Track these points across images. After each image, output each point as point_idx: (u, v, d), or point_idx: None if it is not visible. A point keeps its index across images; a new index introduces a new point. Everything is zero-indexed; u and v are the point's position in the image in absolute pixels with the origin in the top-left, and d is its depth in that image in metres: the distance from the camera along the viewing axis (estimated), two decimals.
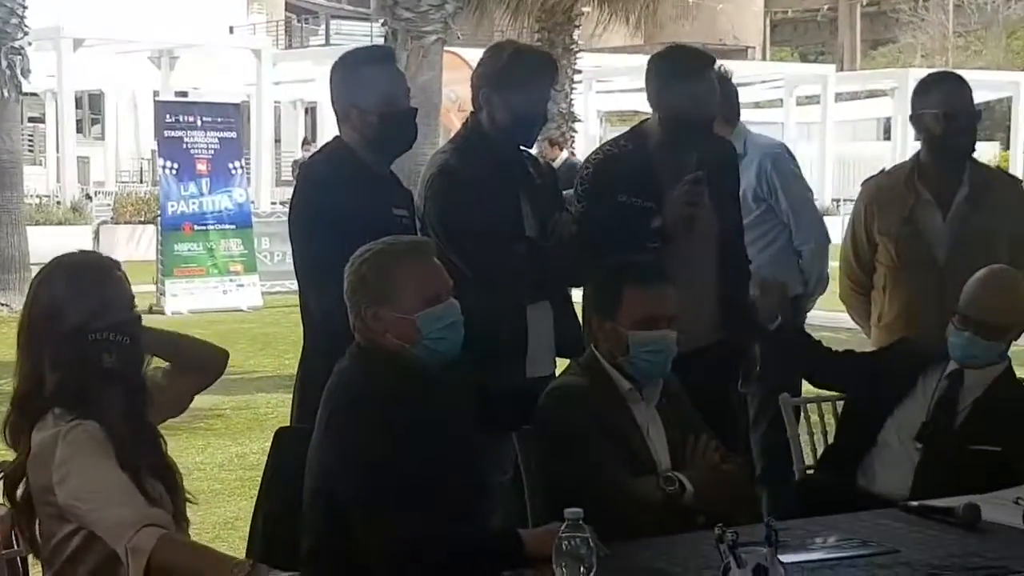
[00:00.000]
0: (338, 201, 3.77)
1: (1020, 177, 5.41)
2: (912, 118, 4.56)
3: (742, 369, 4.32)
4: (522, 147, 4.19)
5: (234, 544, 5.13)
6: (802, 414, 4.28)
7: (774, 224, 5.09)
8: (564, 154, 14.93)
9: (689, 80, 4.13)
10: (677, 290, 3.52)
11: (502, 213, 3.99)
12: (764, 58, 44.58)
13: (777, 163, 5.09)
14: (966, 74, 5.16)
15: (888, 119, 32.42)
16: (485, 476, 3.31)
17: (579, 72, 19.25)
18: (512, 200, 4.03)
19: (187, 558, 2.71)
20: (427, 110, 10.69)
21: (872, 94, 32.83)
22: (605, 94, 27.89)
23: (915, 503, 3.30)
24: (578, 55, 19.09)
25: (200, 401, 3.41)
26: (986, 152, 31.14)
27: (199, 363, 3.29)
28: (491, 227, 3.93)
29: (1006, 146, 33.02)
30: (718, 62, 4.40)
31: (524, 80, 4.01)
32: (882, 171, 4.83)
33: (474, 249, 3.89)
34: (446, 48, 12.57)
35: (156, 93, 23.00)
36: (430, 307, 3.09)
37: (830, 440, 4.17)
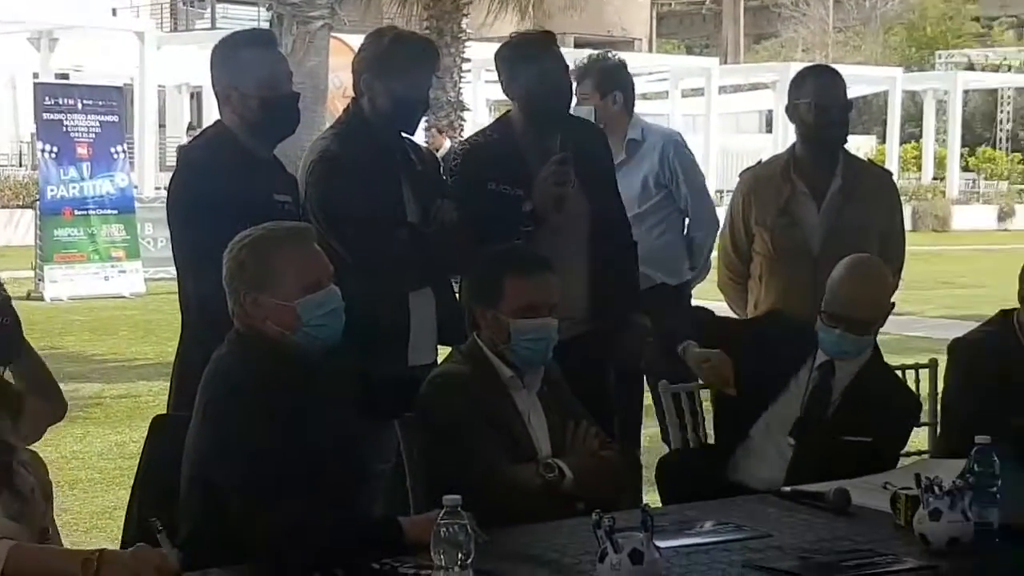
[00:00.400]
0: (217, 186, 3.72)
1: (891, 170, 5.54)
2: (787, 109, 4.66)
3: (619, 356, 4.37)
4: (404, 133, 4.19)
5: (112, 533, 5.07)
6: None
7: (672, 210, 5.20)
8: (448, 143, 14.94)
9: (534, 64, 4.24)
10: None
11: (383, 198, 3.98)
12: (651, 50, 44.97)
13: (679, 150, 5.22)
14: (844, 69, 5.29)
15: (770, 111, 32.93)
16: (366, 464, 3.30)
17: (468, 61, 19.24)
18: (393, 186, 4.03)
19: (38, 563, 2.66)
20: (314, 96, 10.63)
21: (755, 87, 33.34)
22: (494, 83, 27.72)
23: (788, 488, 3.37)
24: (467, 44, 19.08)
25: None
26: (863, 145, 31.85)
27: (50, 393, 3.23)
28: (372, 213, 3.92)
29: (882, 139, 33.78)
30: (613, 53, 4.48)
31: (405, 66, 4.01)
32: (759, 162, 4.93)
33: (355, 235, 3.88)
34: (333, 34, 12.51)
35: (36, 75, 22.52)
36: (310, 294, 3.06)
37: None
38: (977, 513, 2.81)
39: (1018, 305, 4.01)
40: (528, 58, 4.28)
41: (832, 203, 4.56)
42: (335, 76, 13.55)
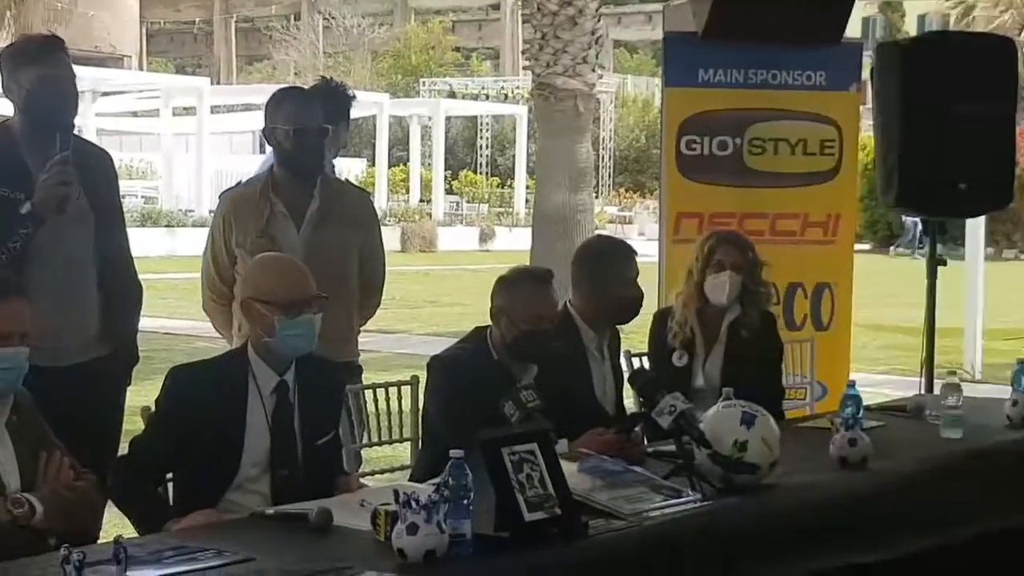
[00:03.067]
0: None
1: (382, 192, 5.69)
2: (265, 132, 4.66)
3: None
4: None
5: None
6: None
7: None
8: None
9: (36, 67, 4.10)
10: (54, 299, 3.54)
11: None
12: (141, 68, 43.96)
13: None
14: None
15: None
16: None
17: None
18: None
19: None
20: None
21: (248, 108, 33.32)
22: None
23: (271, 510, 3.36)
24: None
25: None
26: (354, 167, 32.57)
27: None
28: None
29: (372, 162, 34.68)
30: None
31: None
32: (239, 183, 4.90)
33: None
34: None
35: None
36: None
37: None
38: (452, 525, 2.90)
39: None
40: (31, 61, 4.11)
41: (310, 223, 4.60)
42: None
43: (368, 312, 4.91)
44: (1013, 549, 4.33)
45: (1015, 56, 6.20)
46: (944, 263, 6.36)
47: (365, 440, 4.96)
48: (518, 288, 4.19)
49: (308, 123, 4.56)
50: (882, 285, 17.65)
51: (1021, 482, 4.48)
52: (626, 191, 39.76)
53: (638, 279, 4.79)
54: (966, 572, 4.15)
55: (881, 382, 10.43)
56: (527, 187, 32.81)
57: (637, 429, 4.10)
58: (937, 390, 5.11)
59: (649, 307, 5.46)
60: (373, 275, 4.82)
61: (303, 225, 4.59)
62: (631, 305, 4.73)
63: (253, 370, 3.65)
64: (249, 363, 3.65)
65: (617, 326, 4.90)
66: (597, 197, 29.20)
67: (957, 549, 4.05)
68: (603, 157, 38.74)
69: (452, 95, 41.31)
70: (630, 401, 4.90)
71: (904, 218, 26.34)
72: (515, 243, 26.72)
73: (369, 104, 32.11)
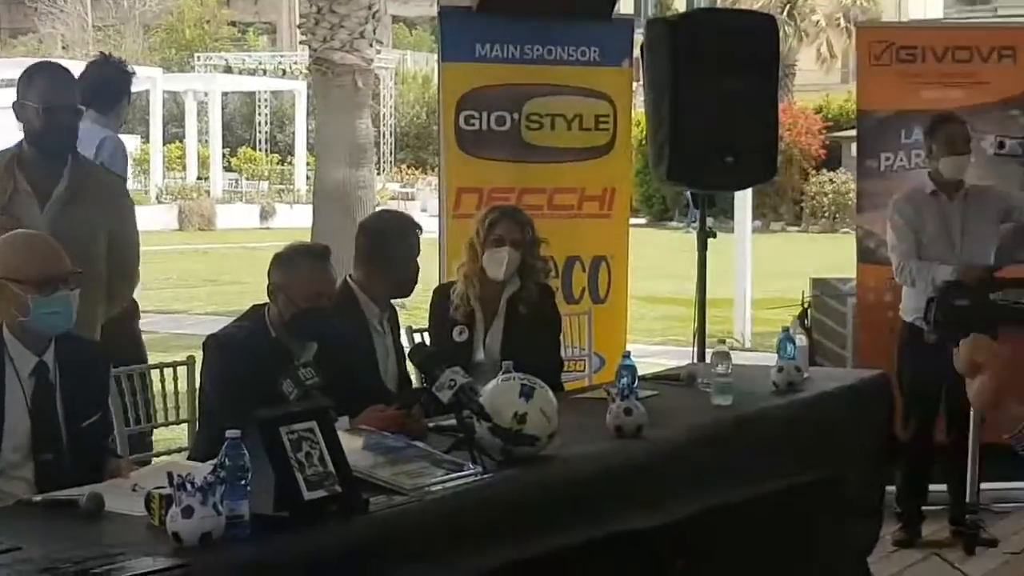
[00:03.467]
0: None
1: (121, 174, 5.53)
2: (15, 107, 4.49)
3: None
4: None
5: None
6: None
7: None
8: None
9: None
10: None
11: None
12: None
13: None
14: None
15: None
16: None
17: None
18: None
19: None
20: None
21: (11, 83, 32.06)
22: None
23: (39, 498, 3.25)
24: None
25: None
26: (130, 144, 31.69)
27: None
28: None
29: (146, 139, 33.80)
30: None
31: None
32: None
33: None
34: None
35: None
36: None
37: None
38: (228, 507, 2.85)
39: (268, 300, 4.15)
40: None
41: (56, 204, 4.46)
42: None
43: (120, 299, 4.83)
44: (778, 511, 4.50)
45: (777, 33, 6.40)
46: (714, 235, 6.54)
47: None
48: (295, 265, 4.15)
49: (59, 102, 4.42)
50: (658, 258, 18.11)
51: (785, 446, 4.65)
52: (408, 167, 39.74)
53: (419, 255, 4.79)
54: (736, 534, 4.29)
55: (657, 352, 10.72)
56: (308, 164, 32.48)
57: (418, 405, 4.11)
58: (709, 359, 5.26)
59: (431, 282, 5.48)
60: (124, 261, 4.71)
61: (48, 205, 4.45)
62: (410, 280, 4.74)
63: (9, 352, 3.53)
64: (5, 345, 3.54)
65: (396, 301, 4.89)
66: (379, 173, 29.15)
67: (726, 512, 4.19)
68: (384, 133, 38.62)
69: (228, 70, 40.54)
70: (414, 377, 4.90)
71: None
72: (296, 220, 26.45)
73: (142, 79, 31.24)
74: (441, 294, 5.20)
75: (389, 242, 4.72)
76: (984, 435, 5.58)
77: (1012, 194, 6.32)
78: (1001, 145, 6.24)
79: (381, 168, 34.58)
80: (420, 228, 4.82)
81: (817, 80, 36.87)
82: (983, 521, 6.08)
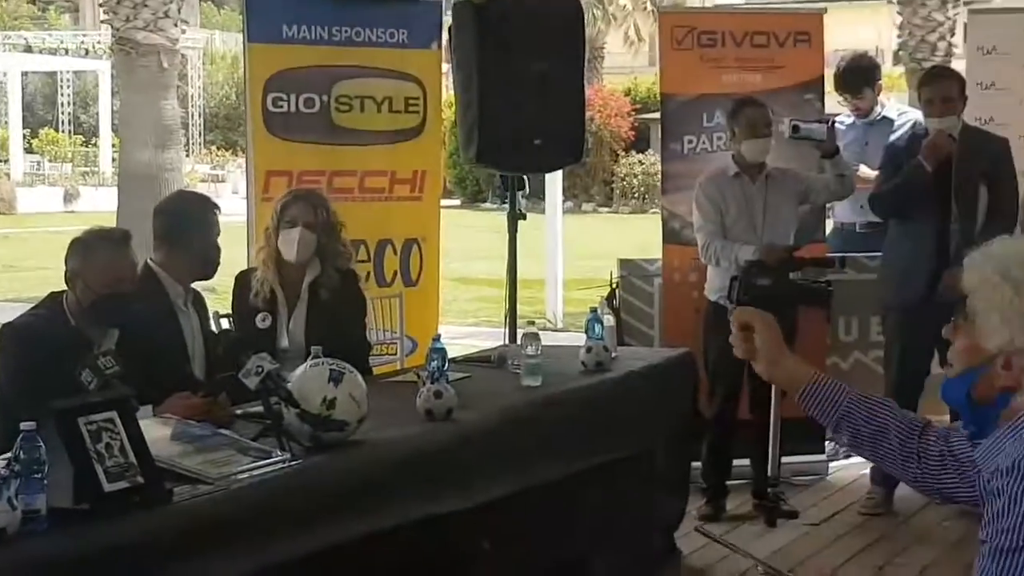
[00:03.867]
0: None
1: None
2: None
3: None
4: None
5: None
6: None
7: None
8: None
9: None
10: None
11: None
12: None
13: None
14: None
15: None
16: None
17: None
18: None
19: None
20: None
21: None
22: None
23: None
24: None
25: None
26: None
27: None
28: None
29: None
30: None
31: None
32: None
33: None
34: None
35: None
36: None
37: None
38: (24, 501, 2.76)
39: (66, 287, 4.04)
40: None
41: None
42: None
43: None
44: (588, 489, 4.57)
45: (582, 16, 6.47)
46: (524, 217, 6.58)
47: None
48: (92, 250, 4.05)
49: None
50: (472, 239, 18.16)
51: (593, 425, 4.72)
52: (218, 149, 39.03)
53: (219, 235, 4.73)
54: (546, 514, 4.34)
55: (470, 334, 10.77)
56: (113, 145, 31.64)
57: (224, 392, 4.05)
58: (519, 340, 5.29)
59: (241, 266, 5.40)
60: None
61: None
62: (213, 261, 4.68)
63: None
64: None
65: (204, 284, 4.81)
66: (188, 155, 28.58)
67: (535, 493, 4.23)
68: (193, 115, 37.85)
69: (28, 50, 39.21)
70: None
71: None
72: (102, 203, 25.75)
73: None
74: (242, 281, 5.14)
75: (188, 222, 4.65)
76: (784, 411, 5.74)
77: (809, 176, 6.52)
78: (795, 129, 6.44)
79: (190, 150, 33.90)
80: (219, 208, 4.75)
81: (625, 63, 37.43)
82: (784, 494, 6.27)
